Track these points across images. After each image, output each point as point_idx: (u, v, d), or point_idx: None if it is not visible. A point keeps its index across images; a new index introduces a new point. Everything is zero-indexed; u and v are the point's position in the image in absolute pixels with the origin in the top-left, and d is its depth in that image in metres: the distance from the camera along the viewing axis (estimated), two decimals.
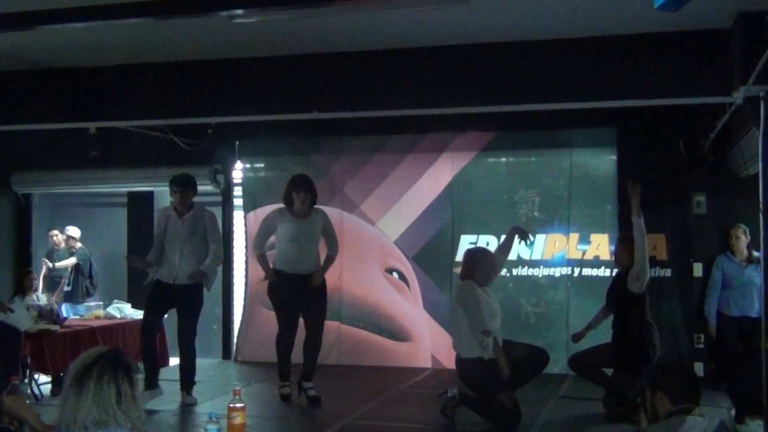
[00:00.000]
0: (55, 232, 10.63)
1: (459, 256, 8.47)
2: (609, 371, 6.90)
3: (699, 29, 6.74)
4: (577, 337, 7.26)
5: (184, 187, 7.33)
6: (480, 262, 6.58)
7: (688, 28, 6.70)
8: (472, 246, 8.30)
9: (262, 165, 10.13)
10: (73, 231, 10.55)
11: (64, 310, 9.39)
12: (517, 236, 6.93)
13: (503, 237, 7.22)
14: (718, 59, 6.80)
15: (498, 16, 6.78)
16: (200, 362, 7.55)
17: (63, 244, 10.57)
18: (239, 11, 4.74)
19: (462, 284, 6.58)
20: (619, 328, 6.79)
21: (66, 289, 10.28)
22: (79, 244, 10.48)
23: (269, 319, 9.58)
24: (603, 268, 8.84)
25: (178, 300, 7.24)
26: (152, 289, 7.34)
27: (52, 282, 10.51)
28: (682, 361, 8.04)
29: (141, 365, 7.48)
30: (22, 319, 7.82)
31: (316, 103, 8.12)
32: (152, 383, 7.16)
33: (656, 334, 6.71)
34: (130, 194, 10.74)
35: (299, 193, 7.14)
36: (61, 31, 6.33)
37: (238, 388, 5.54)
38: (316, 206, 7.38)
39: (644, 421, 3.76)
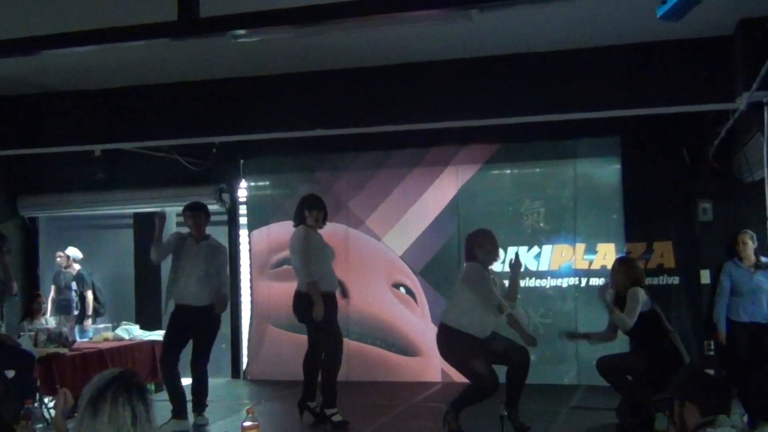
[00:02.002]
0: (61, 253, 10.64)
1: None
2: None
3: (701, 37, 6.78)
4: (571, 336, 7.38)
5: (196, 211, 7.36)
6: (479, 242, 6.58)
7: (690, 36, 6.75)
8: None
9: (267, 183, 10.15)
10: (73, 252, 10.51)
11: (78, 332, 9.36)
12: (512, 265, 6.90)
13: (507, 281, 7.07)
14: (720, 66, 6.84)
15: (501, 30, 6.82)
16: (210, 382, 7.53)
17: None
18: (242, 31, 4.75)
19: (467, 265, 6.58)
20: (644, 344, 6.72)
21: (75, 312, 10.29)
22: (77, 266, 10.46)
23: (279, 337, 9.61)
24: None
25: (195, 323, 7.22)
26: (171, 319, 7.28)
27: (60, 305, 10.51)
28: (704, 370, 8.00)
29: (152, 386, 7.48)
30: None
31: (320, 120, 8.15)
32: (182, 413, 7.17)
33: (679, 341, 6.69)
34: (137, 215, 10.76)
35: (313, 211, 7.11)
36: (65, 56, 6.37)
37: (249, 406, 5.53)
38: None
39: None
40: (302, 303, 7.06)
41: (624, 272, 6.75)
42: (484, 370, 6.29)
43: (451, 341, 6.47)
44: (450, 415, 6.38)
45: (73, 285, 10.41)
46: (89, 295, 10.31)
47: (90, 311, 10.26)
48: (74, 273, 10.43)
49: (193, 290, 7.22)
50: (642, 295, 6.58)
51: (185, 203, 7.62)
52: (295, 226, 7.18)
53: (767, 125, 6.19)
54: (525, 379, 6.51)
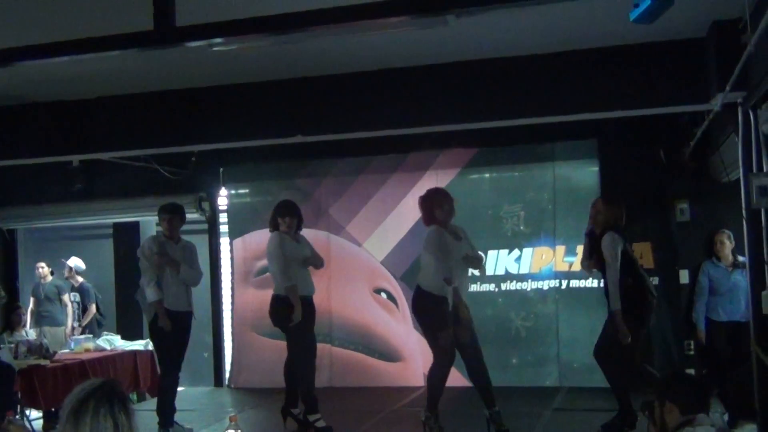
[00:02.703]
0: (42, 264, 10.58)
1: None
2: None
3: (675, 39, 6.83)
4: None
5: (172, 214, 7.32)
6: (437, 201, 6.63)
7: (664, 38, 6.79)
8: None
9: (247, 191, 10.14)
10: (76, 262, 10.46)
11: (73, 344, 9.31)
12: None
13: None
14: (694, 68, 6.89)
15: (477, 35, 6.84)
16: (192, 390, 7.54)
17: (49, 277, 10.51)
18: (219, 39, 4.75)
19: (429, 230, 6.64)
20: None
21: (76, 324, 10.23)
22: (80, 279, 10.42)
23: (262, 345, 9.58)
24: (591, 279, 8.86)
25: (182, 329, 7.20)
26: (168, 327, 7.03)
27: (40, 317, 10.44)
28: (683, 370, 8.05)
29: (134, 396, 7.43)
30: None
31: (300, 127, 8.14)
32: (172, 423, 7.15)
33: (649, 280, 6.66)
34: (116, 225, 10.71)
35: (285, 218, 7.12)
36: (40, 66, 6.33)
37: (232, 414, 5.51)
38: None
39: None
40: (279, 307, 7.06)
41: (607, 212, 6.65)
42: (447, 344, 6.37)
43: (424, 303, 6.57)
44: (430, 419, 6.38)
45: (75, 297, 10.34)
46: (92, 308, 10.26)
47: (76, 322, 10.18)
48: (76, 284, 10.37)
49: (184, 295, 7.21)
50: (615, 239, 6.49)
51: None
52: (272, 232, 7.20)
53: (742, 126, 6.25)
54: (486, 378, 6.50)
